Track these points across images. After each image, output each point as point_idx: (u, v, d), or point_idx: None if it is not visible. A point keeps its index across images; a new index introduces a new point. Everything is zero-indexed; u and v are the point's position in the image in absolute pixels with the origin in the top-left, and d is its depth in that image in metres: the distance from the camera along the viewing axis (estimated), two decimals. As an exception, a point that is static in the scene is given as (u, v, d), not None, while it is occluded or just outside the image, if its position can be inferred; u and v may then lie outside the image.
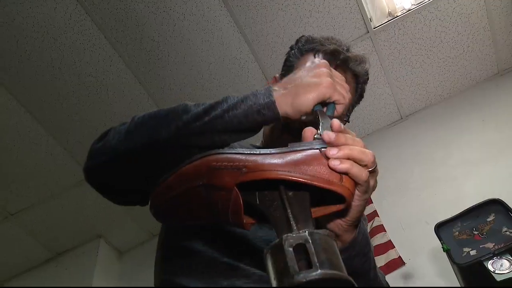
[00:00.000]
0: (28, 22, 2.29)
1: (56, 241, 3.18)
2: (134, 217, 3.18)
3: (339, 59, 0.97)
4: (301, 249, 0.47)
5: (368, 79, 1.05)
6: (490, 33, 2.68)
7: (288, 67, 1.05)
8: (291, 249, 0.47)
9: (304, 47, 1.03)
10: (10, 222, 3.01)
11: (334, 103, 0.71)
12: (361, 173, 0.59)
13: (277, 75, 1.08)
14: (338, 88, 0.72)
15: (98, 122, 2.71)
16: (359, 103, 1.08)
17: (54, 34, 2.36)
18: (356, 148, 0.60)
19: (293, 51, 1.05)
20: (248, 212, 0.61)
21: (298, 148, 0.60)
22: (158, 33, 2.45)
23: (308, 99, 0.68)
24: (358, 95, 1.05)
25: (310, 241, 0.47)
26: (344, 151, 0.59)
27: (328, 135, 0.61)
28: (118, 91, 2.62)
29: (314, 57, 0.99)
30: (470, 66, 2.82)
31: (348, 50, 1.01)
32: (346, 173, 0.57)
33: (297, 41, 1.06)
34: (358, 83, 1.03)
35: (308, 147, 0.59)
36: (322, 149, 0.59)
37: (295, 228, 0.52)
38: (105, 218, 3.15)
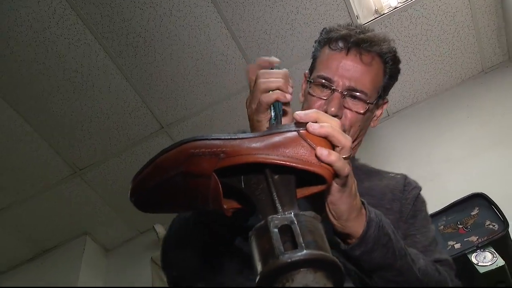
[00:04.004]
0: (11, 16, 2.26)
1: (41, 238, 3.15)
2: (120, 215, 3.15)
3: (350, 42, 0.99)
4: (286, 230, 0.47)
5: (394, 57, 1.05)
6: (475, 31, 2.71)
7: (312, 61, 1.09)
8: (276, 230, 0.46)
9: (322, 39, 1.06)
10: (-6, 220, 2.97)
11: (276, 103, 0.74)
12: (344, 167, 0.59)
13: (306, 71, 1.11)
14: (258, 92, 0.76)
15: (83, 118, 2.69)
16: (392, 83, 1.08)
17: (38, 28, 2.32)
18: (337, 129, 0.60)
19: (314, 45, 1.09)
20: (233, 196, 0.61)
21: (276, 131, 0.60)
22: (144, 29, 2.43)
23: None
24: (387, 75, 1.04)
25: (296, 223, 0.47)
26: (326, 128, 0.59)
27: (298, 113, 0.61)
28: (104, 87, 2.60)
29: (329, 47, 1.03)
30: (455, 64, 2.85)
31: (362, 32, 1.01)
32: (330, 165, 0.57)
33: (320, 34, 1.09)
34: (385, 63, 1.03)
35: (286, 129, 0.59)
36: (301, 130, 0.59)
37: (280, 210, 0.52)
38: (91, 215, 3.12)
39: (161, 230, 3.02)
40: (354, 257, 0.69)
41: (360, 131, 1.05)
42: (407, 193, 1.02)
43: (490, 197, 1.86)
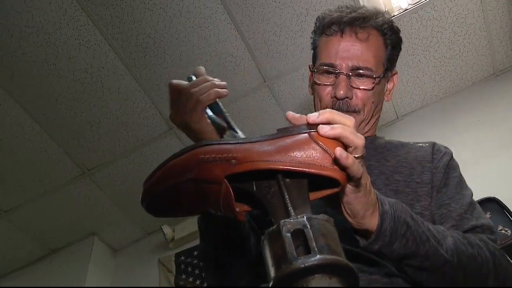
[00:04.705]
0: (23, 17, 2.27)
1: (49, 238, 3.16)
2: (128, 215, 3.16)
3: (342, 23, 1.00)
4: (299, 234, 0.46)
5: (392, 27, 1.05)
6: (486, 33, 2.68)
7: (313, 53, 1.10)
8: (289, 234, 0.46)
9: (317, 28, 1.07)
10: (3, 219, 2.99)
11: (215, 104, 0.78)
12: (359, 170, 0.58)
13: (310, 63, 1.12)
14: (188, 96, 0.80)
15: (93, 118, 2.70)
16: (396, 54, 1.09)
17: (49, 29, 2.34)
18: (349, 129, 0.59)
19: (312, 36, 1.10)
20: (244, 198, 0.60)
21: (286, 134, 0.58)
22: (154, 30, 2.44)
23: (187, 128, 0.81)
24: (389, 46, 1.05)
25: (309, 226, 0.46)
26: (337, 130, 0.58)
27: (310, 116, 0.60)
28: (113, 87, 2.60)
29: (325, 34, 1.04)
30: (466, 66, 2.83)
31: (353, 11, 1.02)
32: (346, 167, 0.56)
33: (314, 24, 1.10)
34: (384, 35, 1.03)
35: (297, 132, 0.58)
36: (312, 132, 0.58)
37: (293, 214, 0.51)
38: (99, 215, 3.13)
39: (169, 231, 3.03)
40: (374, 252, 0.68)
41: (375, 108, 1.05)
42: (436, 161, 1.00)
43: (502, 201, 1.84)
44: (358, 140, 0.59)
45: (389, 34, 1.04)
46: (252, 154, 0.56)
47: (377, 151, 1.04)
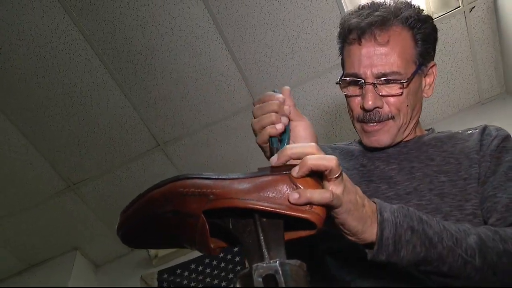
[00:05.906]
0: (14, 30, 2.27)
1: (30, 252, 3.11)
2: (112, 231, 3.13)
3: (359, 29, 0.94)
4: (271, 279, 0.47)
5: (418, 19, 0.96)
6: (473, 62, 2.73)
7: (341, 60, 1.05)
8: (260, 279, 0.46)
9: (339, 35, 1.02)
10: (-16, 231, 2.94)
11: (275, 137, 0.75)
12: (323, 196, 0.56)
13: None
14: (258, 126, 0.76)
15: (80, 132, 2.69)
16: (431, 45, 1.00)
17: (40, 43, 2.34)
18: (314, 157, 0.58)
19: (337, 40, 1.04)
20: (221, 234, 0.60)
21: (267, 173, 0.59)
22: (145, 47, 2.45)
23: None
24: (420, 41, 0.96)
25: (280, 272, 0.47)
26: (305, 165, 0.57)
27: (271, 161, 0.61)
28: (103, 102, 2.60)
29: (346, 42, 0.99)
30: (453, 94, 2.87)
31: (370, 14, 0.95)
32: (309, 204, 0.56)
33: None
34: (412, 29, 0.96)
35: (277, 172, 0.59)
36: (289, 173, 0.58)
37: (266, 256, 0.51)
38: (83, 229, 3.09)
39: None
40: (382, 262, 0.65)
41: (412, 110, 0.98)
42: (485, 148, 0.91)
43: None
44: (329, 162, 0.57)
45: (417, 27, 0.96)
46: (231, 191, 0.56)
47: (420, 150, 0.98)
